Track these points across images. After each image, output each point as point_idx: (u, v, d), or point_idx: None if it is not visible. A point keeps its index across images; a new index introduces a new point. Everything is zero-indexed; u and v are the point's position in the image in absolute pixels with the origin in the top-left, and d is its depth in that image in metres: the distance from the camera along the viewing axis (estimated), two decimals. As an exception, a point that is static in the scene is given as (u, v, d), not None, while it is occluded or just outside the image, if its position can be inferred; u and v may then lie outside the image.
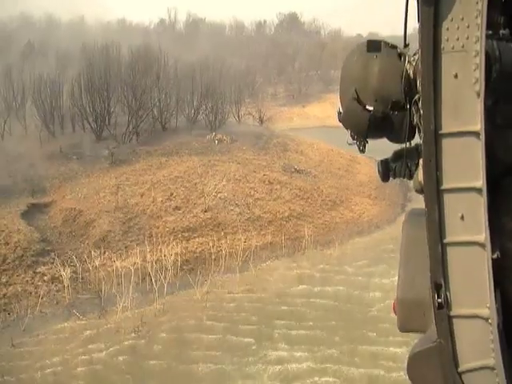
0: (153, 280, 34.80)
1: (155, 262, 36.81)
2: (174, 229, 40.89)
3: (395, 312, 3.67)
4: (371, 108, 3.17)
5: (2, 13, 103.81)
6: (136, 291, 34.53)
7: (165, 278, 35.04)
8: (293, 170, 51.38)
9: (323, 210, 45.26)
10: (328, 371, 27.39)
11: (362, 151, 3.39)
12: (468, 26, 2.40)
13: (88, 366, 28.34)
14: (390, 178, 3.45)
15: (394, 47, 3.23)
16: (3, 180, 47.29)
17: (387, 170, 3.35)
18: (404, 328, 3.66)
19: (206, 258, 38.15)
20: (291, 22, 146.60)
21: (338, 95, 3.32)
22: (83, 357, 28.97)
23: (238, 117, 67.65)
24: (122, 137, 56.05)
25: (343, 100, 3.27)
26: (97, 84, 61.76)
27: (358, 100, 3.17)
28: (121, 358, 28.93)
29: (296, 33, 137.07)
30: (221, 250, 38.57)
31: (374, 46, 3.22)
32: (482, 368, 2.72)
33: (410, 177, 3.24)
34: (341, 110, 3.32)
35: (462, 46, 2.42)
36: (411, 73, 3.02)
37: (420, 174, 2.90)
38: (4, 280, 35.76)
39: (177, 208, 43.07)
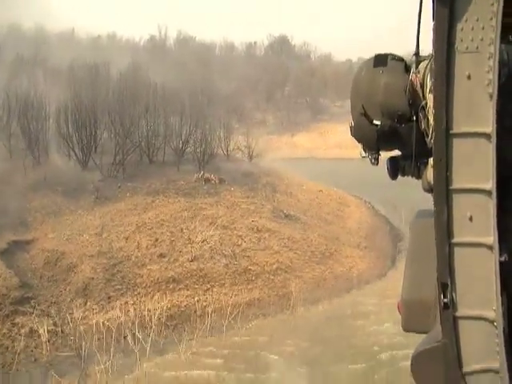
0: (136, 338, 33.66)
1: (138, 317, 35.75)
2: (158, 279, 39.84)
3: (400, 312, 3.88)
4: (378, 122, 3.29)
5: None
6: (118, 350, 33.42)
7: (148, 335, 33.97)
8: (282, 215, 50.44)
9: (312, 263, 44.36)
10: None
11: (375, 164, 3.55)
12: (483, 28, 2.41)
13: None
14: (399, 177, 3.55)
15: (400, 60, 3.36)
16: (-16, 211, 46.11)
17: (396, 168, 3.45)
18: (408, 328, 3.86)
19: (191, 313, 37.15)
20: (281, 44, 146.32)
21: (350, 110, 3.45)
22: None
23: (227, 152, 66.74)
24: (107, 170, 54.84)
25: (353, 115, 3.41)
26: (84, 113, 60.47)
27: (366, 115, 3.30)
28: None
29: (286, 56, 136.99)
30: (207, 305, 37.59)
31: (380, 60, 3.34)
32: (486, 370, 2.73)
33: (419, 176, 3.35)
34: (352, 124, 3.47)
35: (476, 48, 2.44)
36: (417, 83, 3.10)
37: (429, 173, 3.07)
38: (-21, 331, 34.50)
39: (162, 255, 41.99)
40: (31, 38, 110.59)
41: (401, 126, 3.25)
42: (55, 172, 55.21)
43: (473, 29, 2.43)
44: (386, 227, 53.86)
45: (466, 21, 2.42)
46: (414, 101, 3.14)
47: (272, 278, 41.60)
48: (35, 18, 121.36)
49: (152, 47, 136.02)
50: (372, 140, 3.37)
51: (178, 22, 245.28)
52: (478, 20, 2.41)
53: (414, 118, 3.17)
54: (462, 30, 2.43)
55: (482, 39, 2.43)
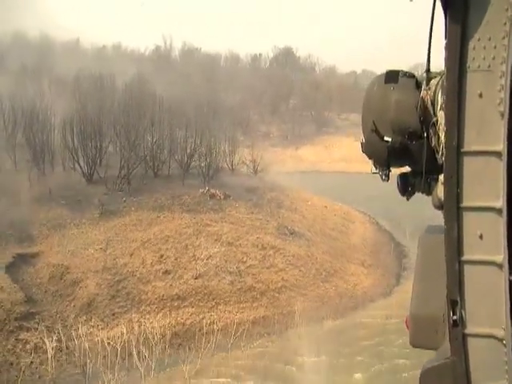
0: (140, 356, 33.59)
1: (143, 335, 35.65)
2: (163, 296, 39.80)
3: (408, 327, 3.84)
4: (389, 139, 3.29)
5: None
6: (122, 368, 33.38)
7: (152, 353, 33.87)
8: (286, 231, 50.41)
9: (317, 280, 44.31)
10: None
11: (385, 180, 3.56)
12: (495, 47, 2.44)
13: None
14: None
15: (411, 76, 3.37)
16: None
17: (406, 184, 3.43)
18: (416, 343, 3.83)
19: (195, 331, 37.04)
20: (286, 56, 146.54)
21: (361, 127, 3.45)
22: None
23: (232, 166, 66.73)
24: (112, 184, 54.75)
25: (364, 131, 3.42)
26: (89, 125, 60.42)
27: (377, 131, 3.31)
28: None
29: (291, 67, 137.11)
30: (211, 323, 37.49)
31: (391, 76, 3.35)
32: None
33: (429, 193, 3.32)
34: (363, 140, 3.47)
35: (488, 66, 2.46)
36: (428, 100, 3.10)
37: (439, 190, 3.04)
38: (-16, 347, 34.39)
39: (167, 272, 41.96)
40: (36, 48, 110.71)
41: (411, 142, 3.26)
42: (60, 184, 55.17)
43: (485, 48, 2.46)
44: (390, 243, 53.77)
45: (479, 40, 2.46)
46: (425, 118, 3.16)
47: (277, 295, 41.51)
48: (40, 28, 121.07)
49: (157, 58, 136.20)
50: (383, 156, 3.40)
51: (183, 33, 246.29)
52: (490, 39, 2.45)
53: (425, 134, 3.19)
54: (474, 48, 2.47)
55: (493, 58, 2.46)
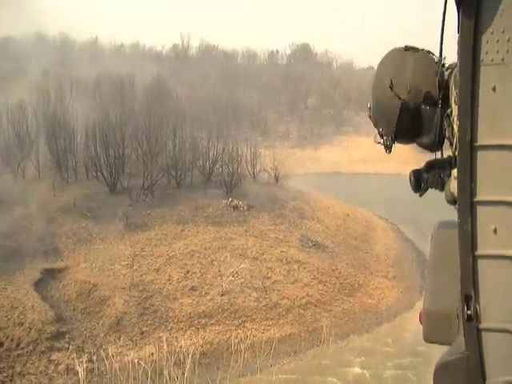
0: (170, 377, 34.10)
1: (171, 354, 36.16)
2: (190, 313, 40.23)
3: (421, 322, 3.88)
4: (404, 98, 3.22)
5: (16, 30, 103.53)
6: (153, 390, 33.98)
7: (182, 373, 34.40)
8: (310, 243, 50.66)
9: (341, 295, 44.57)
10: None
11: (388, 151, 3.47)
12: (508, 40, 2.41)
13: None
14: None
15: (430, 53, 3.33)
16: (16, 236, 46.84)
17: (419, 180, 3.36)
18: (429, 339, 3.86)
19: (223, 350, 37.49)
20: (303, 52, 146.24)
21: (371, 89, 3.40)
22: None
23: (254, 174, 66.99)
24: (136, 194, 55.16)
25: (375, 92, 3.35)
26: (111, 135, 60.82)
27: (392, 88, 3.24)
28: None
29: (308, 64, 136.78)
30: (239, 341, 37.88)
31: (411, 47, 3.33)
32: None
33: (442, 188, 3.27)
34: (370, 106, 3.43)
35: (502, 59, 2.43)
36: (446, 74, 3.08)
37: (452, 185, 3.04)
38: (18, 369, 34.92)
39: (193, 289, 42.40)
40: (56, 49, 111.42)
41: (425, 107, 3.22)
42: (84, 195, 55.71)
43: (498, 41, 2.42)
44: (412, 253, 53.75)
45: (492, 33, 2.42)
46: (442, 86, 3.11)
47: (302, 312, 41.75)
48: (59, 28, 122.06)
49: (175, 56, 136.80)
50: (393, 117, 3.30)
51: (200, 30, 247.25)
52: (503, 32, 2.41)
53: (440, 103, 3.14)
54: (487, 42, 2.43)
55: (507, 51, 2.42)
